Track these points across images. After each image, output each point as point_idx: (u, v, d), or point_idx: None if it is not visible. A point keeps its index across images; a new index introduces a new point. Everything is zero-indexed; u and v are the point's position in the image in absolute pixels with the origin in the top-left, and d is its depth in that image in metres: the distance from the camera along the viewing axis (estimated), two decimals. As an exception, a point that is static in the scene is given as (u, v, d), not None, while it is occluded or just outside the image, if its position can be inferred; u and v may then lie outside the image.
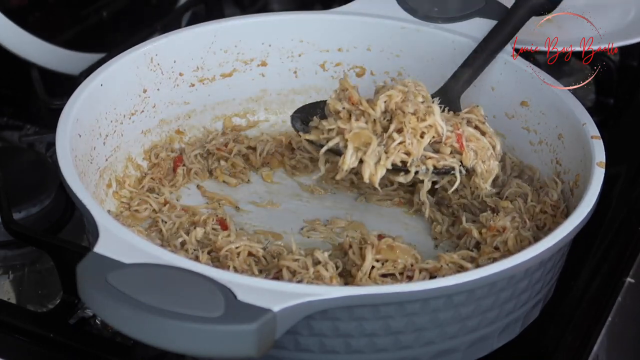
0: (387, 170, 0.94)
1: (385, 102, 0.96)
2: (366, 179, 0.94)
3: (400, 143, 0.94)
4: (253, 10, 1.50)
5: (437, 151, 0.96)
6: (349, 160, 0.94)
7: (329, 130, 0.96)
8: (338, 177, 0.97)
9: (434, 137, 0.95)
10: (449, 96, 1.04)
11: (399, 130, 0.94)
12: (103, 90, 1.03)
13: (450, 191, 0.98)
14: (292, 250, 0.94)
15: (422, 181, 0.97)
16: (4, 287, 1.04)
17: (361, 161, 0.94)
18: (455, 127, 0.96)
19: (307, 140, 0.98)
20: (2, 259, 1.06)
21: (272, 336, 0.76)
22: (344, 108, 0.96)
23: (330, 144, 0.96)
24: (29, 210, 1.08)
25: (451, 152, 0.96)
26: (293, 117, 1.02)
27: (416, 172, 0.95)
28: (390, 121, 0.95)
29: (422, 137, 0.95)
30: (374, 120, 0.95)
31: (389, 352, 0.84)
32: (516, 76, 1.06)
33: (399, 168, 0.95)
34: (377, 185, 0.95)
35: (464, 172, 0.96)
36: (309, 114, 1.01)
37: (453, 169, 0.96)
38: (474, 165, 0.97)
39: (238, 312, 0.75)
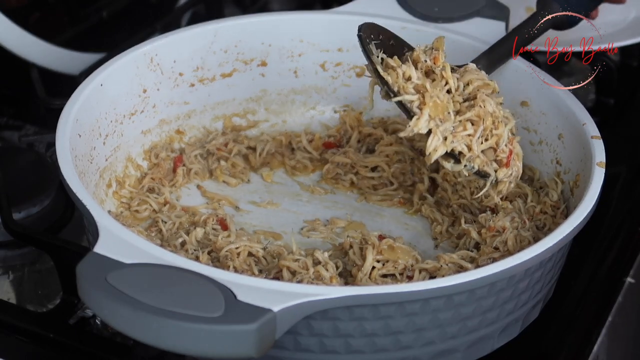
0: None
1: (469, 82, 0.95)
2: (428, 150, 0.92)
3: (469, 135, 0.93)
4: (253, 10, 1.50)
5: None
6: (422, 125, 0.92)
7: (408, 79, 0.93)
8: (402, 135, 0.93)
9: (491, 146, 0.94)
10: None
11: (473, 122, 0.93)
12: (103, 90, 1.03)
13: (477, 195, 0.98)
14: (292, 250, 0.94)
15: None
16: (4, 287, 1.03)
17: (429, 132, 0.92)
18: (510, 141, 0.95)
19: (378, 75, 0.94)
20: (2, 259, 1.06)
21: (272, 336, 0.76)
22: (426, 61, 0.94)
23: (407, 98, 0.92)
24: (29, 210, 1.08)
25: (491, 160, 0.95)
26: (361, 37, 0.95)
27: (464, 166, 0.94)
28: (464, 100, 0.94)
29: (486, 139, 0.94)
30: (448, 91, 0.94)
31: (389, 352, 0.84)
32: (516, 76, 1.06)
33: (451, 154, 0.93)
34: (429, 163, 0.93)
35: (494, 182, 0.95)
36: (371, 36, 0.96)
37: (489, 175, 0.95)
38: (502, 180, 0.96)
39: (238, 312, 0.75)
